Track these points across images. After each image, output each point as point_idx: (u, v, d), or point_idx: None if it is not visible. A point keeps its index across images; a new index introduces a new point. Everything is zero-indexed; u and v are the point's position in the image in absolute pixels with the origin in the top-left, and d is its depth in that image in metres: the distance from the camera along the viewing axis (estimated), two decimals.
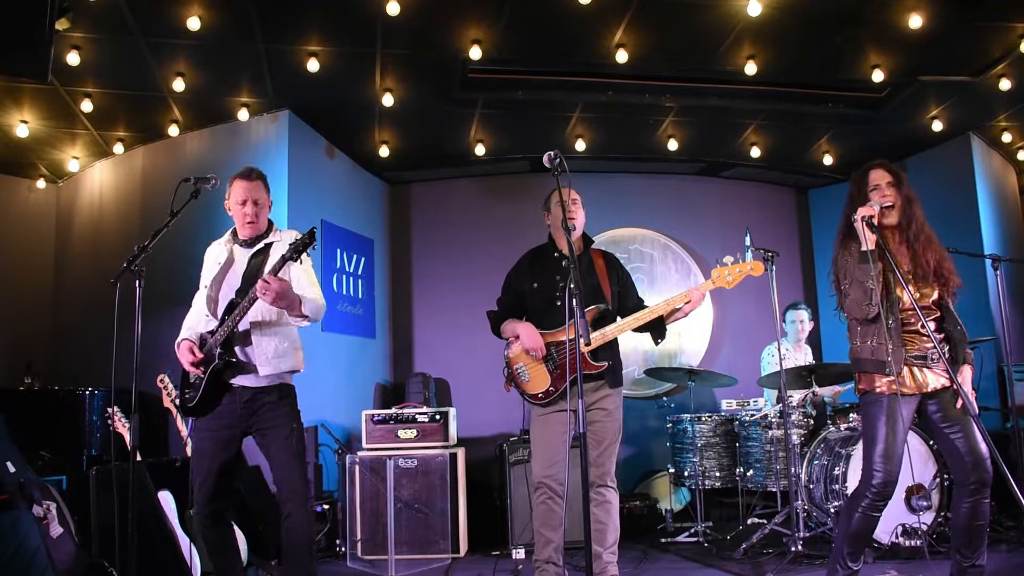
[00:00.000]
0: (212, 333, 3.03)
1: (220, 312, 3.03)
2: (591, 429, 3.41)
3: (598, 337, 3.40)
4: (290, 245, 2.85)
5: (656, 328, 3.54)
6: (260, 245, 3.15)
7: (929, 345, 2.96)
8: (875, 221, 2.93)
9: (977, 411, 2.87)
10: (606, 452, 3.43)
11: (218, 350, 2.97)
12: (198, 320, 3.16)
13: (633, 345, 6.34)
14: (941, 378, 2.95)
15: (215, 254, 3.22)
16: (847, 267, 3.02)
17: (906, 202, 3.06)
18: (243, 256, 3.14)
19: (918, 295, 2.97)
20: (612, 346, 3.51)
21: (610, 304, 3.53)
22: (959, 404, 2.92)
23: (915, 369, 2.95)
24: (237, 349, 3.02)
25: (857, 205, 3.05)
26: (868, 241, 2.92)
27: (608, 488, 3.44)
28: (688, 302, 3.38)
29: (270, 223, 3.24)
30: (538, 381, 3.46)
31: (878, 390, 2.95)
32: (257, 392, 3.02)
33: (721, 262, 3.43)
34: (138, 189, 5.64)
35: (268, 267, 2.99)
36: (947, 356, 2.94)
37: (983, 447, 2.87)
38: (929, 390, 2.95)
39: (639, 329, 3.54)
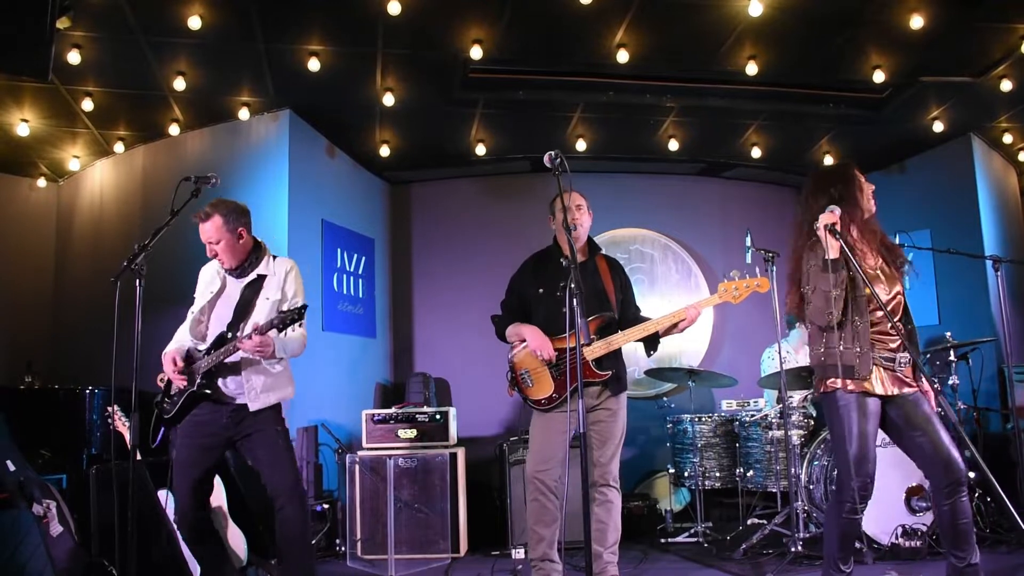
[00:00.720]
0: (200, 353, 3.06)
1: (209, 341, 3.06)
2: (595, 429, 3.42)
3: (603, 345, 3.40)
4: (280, 313, 2.91)
5: (649, 340, 3.56)
6: (252, 276, 3.16)
7: (894, 346, 2.95)
8: (837, 227, 2.87)
9: (957, 418, 2.85)
10: (610, 452, 3.44)
11: (200, 379, 3.00)
12: (188, 336, 3.18)
13: (633, 346, 6.32)
14: (904, 383, 2.94)
15: (208, 279, 3.23)
16: (810, 273, 3.00)
17: None
18: (235, 286, 3.16)
19: (888, 291, 2.97)
20: (616, 355, 3.52)
21: (615, 311, 3.53)
22: (932, 404, 2.93)
23: (883, 371, 2.94)
24: (228, 380, 3.05)
25: (850, 205, 3.03)
26: (832, 249, 2.88)
27: (611, 488, 3.44)
28: (684, 319, 3.39)
29: (261, 247, 3.23)
30: (542, 387, 3.45)
31: (848, 389, 2.91)
32: (241, 406, 3.06)
33: (728, 277, 3.42)
34: (139, 188, 5.64)
35: (260, 307, 3.04)
36: (910, 361, 2.95)
37: (952, 448, 2.86)
38: (890, 394, 2.93)
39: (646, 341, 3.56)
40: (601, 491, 3.40)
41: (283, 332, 2.94)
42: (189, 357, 3.09)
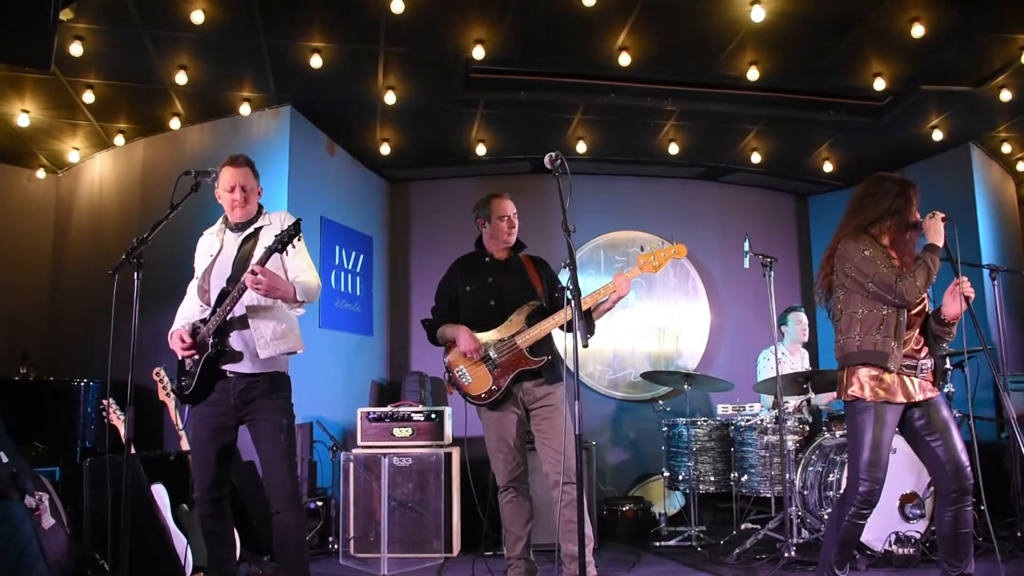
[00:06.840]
0: (205, 322, 3.03)
1: (212, 301, 3.03)
2: (540, 428, 3.51)
3: (535, 332, 3.45)
4: (276, 236, 2.87)
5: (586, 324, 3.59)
6: (250, 230, 3.15)
7: (922, 355, 3.04)
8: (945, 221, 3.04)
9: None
10: (564, 447, 3.44)
11: (211, 339, 2.97)
12: (191, 310, 3.15)
13: (631, 348, 6.35)
14: (927, 389, 3.01)
15: (207, 245, 3.21)
16: (873, 257, 3.01)
17: None
18: (233, 242, 3.14)
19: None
20: (548, 341, 3.57)
21: (543, 301, 3.60)
22: (943, 414, 2.99)
23: (905, 377, 2.98)
24: (234, 335, 3.01)
25: (905, 211, 3.09)
26: (938, 236, 3.03)
27: (573, 485, 3.43)
28: (614, 291, 3.43)
29: (260, 207, 3.24)
30: (480, 382, 3.53)
31: (868, 398, 2.97)
32: (251, 382, 3.01)
33: (646, 250, 3.53)
34: (138, 181, 5.63)
35: (257, 254, 3.00)
36: (932, 367, 3.03)
37: (963, 456, 2.93)
38: (916, 399, 2.98)
39: (568, 328, 3.58)
40: (566, 490, 3.36)
41: (284, 251, 2.90)
42: (194, 332, 3.07)
